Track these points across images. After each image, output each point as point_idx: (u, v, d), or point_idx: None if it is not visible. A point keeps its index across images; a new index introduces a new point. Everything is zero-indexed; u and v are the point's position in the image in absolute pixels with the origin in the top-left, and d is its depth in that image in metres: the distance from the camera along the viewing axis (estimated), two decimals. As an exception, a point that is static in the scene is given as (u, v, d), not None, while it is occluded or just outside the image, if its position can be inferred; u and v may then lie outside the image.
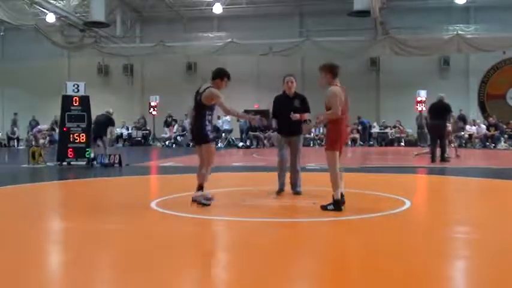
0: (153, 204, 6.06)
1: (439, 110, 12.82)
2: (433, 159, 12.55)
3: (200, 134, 5.88)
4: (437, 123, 12.71)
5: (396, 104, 25.35)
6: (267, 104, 6.82)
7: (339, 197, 5.56)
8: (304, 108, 6.95)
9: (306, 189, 7.35)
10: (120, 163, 12.46)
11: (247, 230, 4.84)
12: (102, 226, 4.97)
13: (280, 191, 6.98)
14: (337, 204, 5.53)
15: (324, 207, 5.57)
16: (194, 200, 5.87)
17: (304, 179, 8.95)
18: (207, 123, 5.87)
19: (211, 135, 5.92)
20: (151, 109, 26.27)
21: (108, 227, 4.93)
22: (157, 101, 26.17)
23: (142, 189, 8.43)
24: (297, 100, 7.02)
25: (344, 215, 5.39)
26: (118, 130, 26.52)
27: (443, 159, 12.60)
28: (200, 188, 5.91)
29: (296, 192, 6.95)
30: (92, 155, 12.59)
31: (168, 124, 26.85)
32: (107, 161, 12.29)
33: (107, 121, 12.70)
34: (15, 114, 26.99)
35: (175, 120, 26.70)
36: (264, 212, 5.69)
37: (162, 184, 9.43)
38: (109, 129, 12.48)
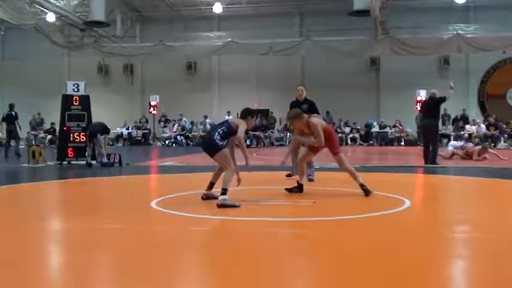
0: (153, 204, 6.05)
1: (430, 108, 12.17)
2: (426, 161, 11.99)
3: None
4: (428, 122, 12.14)
5: (396, 103, 25.38)
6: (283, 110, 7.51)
7: (363, 182, 6.53)
8: (311, 110, 8.05)
9: (306, 188, 7.33)
10: (120, 162, 12.45)
11: (248, 230, 4.85)
12: (102, 226, 4.96)
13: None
14: (364, 188, 6.54)
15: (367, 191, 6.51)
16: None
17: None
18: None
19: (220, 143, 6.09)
20: (152, 108, 26.28)
21: (108, 226, 4.93)
22: (158, 101, 26.19)
23: (142, 189, 8.42)
24: (305, 105, 8.33)
25: (343, 214, 5.39)
26: (118, 129, 26.54)
27: (434, 162, 11.90)
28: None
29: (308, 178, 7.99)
30: (86, 154, 12.55)
31: (162, 125, 26.84)
32: (106, 160, 12.28)
33: (103, 126, 12.67)
34: (39, 113, 26.99)
35: (169, 120, 26.69)
36: (264, 211, 5.69)
37: (163, 183, 9.43)
38: (103, 136, 12.45)
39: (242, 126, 6.21)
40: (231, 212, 5.73)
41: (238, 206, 5.76)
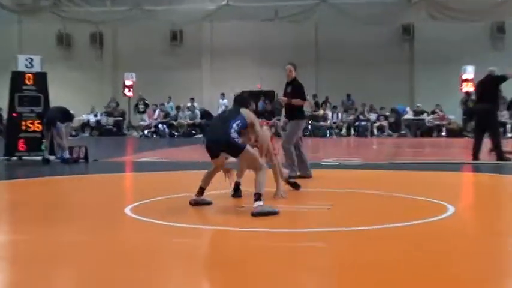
0: (127, 210, 6.05)
1: (488, 89, 12.09)
2: (475, 156, 11.86)
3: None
4: (484, 107, 12.07)
5: (435, 83, 25.27)
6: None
7: None
8: (293, 94, 8.95)
9: (319, 190, 7.32)
10: (86, 158, 12.43)
11: (246, 243, 4.82)
12: (62, 238, 4.93)
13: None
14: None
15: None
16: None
17: (319, 178, 8.94)
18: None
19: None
20: (126, 90, 26.21)
21: (70, 239, 4.89)
22: (134, 80, 26.13)
23: (114, 191, 8.43)
24: (290, 86, 9.08)
25: (368, 223, 5.36)
26: (84, 116, 26.53)
27: (501, 157, 11.76)
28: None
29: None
30: (43, 147, 12.51)
31: (139, 110, 26.71)
32: (68, 155, 12.25)
33: (64, 112, 12.61)
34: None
35: (148, 104, 26.54)
36: (267, 219, 5.63)
37: (140, 184, 9.41)
38: (65, 124, 12.42)
39: (257, 122, 6.28)
40: (227, 221, 5.69)
41: (278, 213, 5.76)
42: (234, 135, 5.89)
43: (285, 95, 9.14)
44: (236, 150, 5.94)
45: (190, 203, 6.29)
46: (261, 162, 6.04)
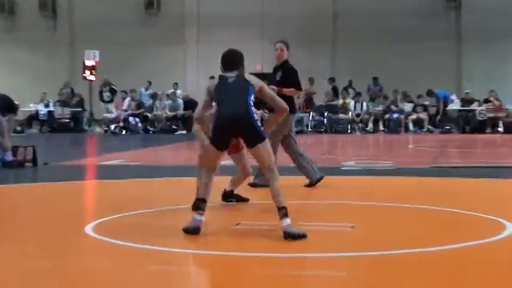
0: (88, 229, 6.05)
1: None
2: None
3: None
4: None
5: (489, 63, 25.29)
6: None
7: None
8: (284, 81, 8.96)
9: (338, 203, 7.29)
10: (34, 161, 12.45)
11: (246, 273, 4.82)
12: (3, 265, 4.91)
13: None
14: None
15: None
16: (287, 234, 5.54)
17: (338, 187, 8.93)
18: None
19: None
20: (87, 71, 26.14)
21: (11, 266, 4.89)
22: (97, 59, 26.07)
23: (71, 205, 8.38)
24: (280, 72, 9.20)
25: (402, 246, 5.37)
26: (32, 106, 26.48)
27: None
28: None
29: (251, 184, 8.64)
30: None
31: (104, 99, 26.59)
32: (11, 157, 12.25)
33: (5, 101, 12.61)
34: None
35: (115, 91, 26.46)
36: (269, 242, 5.62)
37: (105, 196, 9.40)
38: (7, 117, 12.42)
39: (265, 84, 6.16)
40: (218, 243, 5.66)
41: (306, 236, 5.55)
42: (255, 116, 5.78)
43: (273, 82, 8.88)
44: (255, 138, 5.75)
45: (192, 230, 5.70)
46: (274, 162, 5.89)
